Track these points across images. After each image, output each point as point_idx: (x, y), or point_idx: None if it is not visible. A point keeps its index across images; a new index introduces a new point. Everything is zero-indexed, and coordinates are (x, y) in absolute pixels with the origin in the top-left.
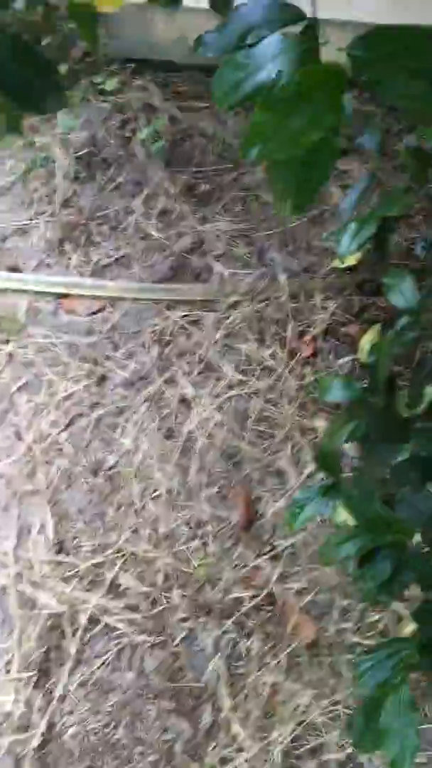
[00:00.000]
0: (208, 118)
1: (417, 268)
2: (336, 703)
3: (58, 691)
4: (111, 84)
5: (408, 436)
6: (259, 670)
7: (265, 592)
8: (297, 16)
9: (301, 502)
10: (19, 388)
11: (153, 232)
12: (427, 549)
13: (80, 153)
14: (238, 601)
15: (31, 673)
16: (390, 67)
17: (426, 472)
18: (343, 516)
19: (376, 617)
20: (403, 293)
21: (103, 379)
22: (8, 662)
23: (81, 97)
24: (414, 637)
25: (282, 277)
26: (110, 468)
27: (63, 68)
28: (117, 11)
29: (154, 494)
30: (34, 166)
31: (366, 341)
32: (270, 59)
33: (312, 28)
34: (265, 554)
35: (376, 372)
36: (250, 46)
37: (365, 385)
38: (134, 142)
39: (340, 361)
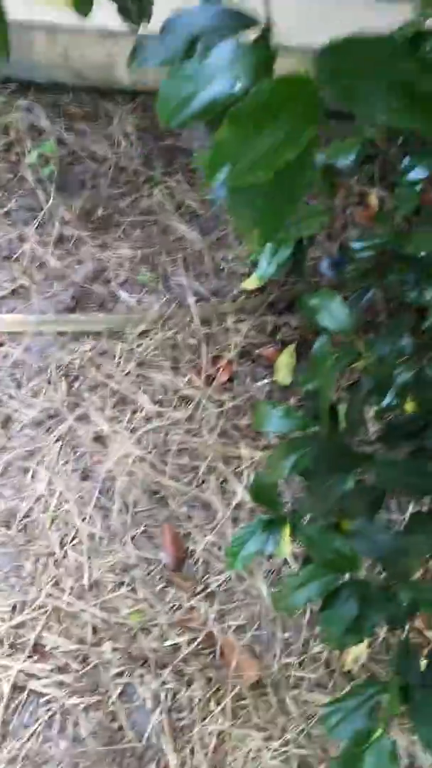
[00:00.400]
0: (99, 141)
1: (325, 286)
2: (287, 743)
3: None
4: None
5: (356, 464)
6: (204, 720)
7: (203, 634)
8: (250, 21)
9: (241, 539)
10: None
11: (50, 261)
12: (390, 583)
13: None
14: (176, 647)
15: None
16: (364, 79)
17: (376, 501)
18: (287, 550)
19: (319, 648)
20: (333, 314)
21: (8, 421)
22: None
23: None
24: (391, 681)
25: (191, 302)
26: (23, 517)
27: None
28: None
29: (74, 541)
30: None
31: (282, 363)
32: (223, 69)
33: (267, 33)
34: (199, 593)
35: (319, 400)
36: (200, 56)
37: (302, 414)
38: (22, 166)
39: (258, 384)
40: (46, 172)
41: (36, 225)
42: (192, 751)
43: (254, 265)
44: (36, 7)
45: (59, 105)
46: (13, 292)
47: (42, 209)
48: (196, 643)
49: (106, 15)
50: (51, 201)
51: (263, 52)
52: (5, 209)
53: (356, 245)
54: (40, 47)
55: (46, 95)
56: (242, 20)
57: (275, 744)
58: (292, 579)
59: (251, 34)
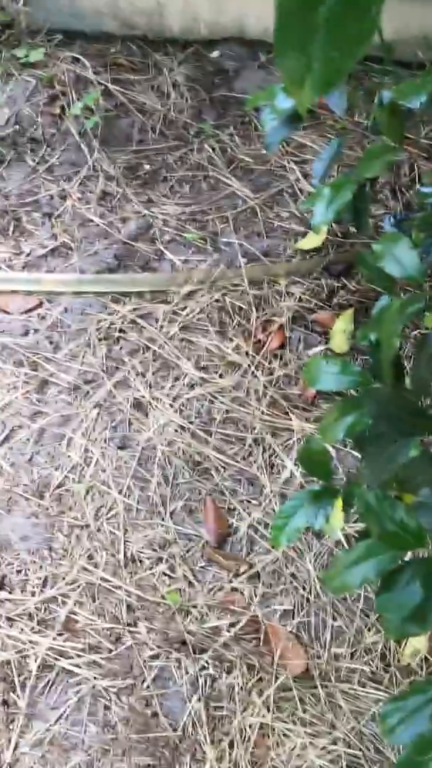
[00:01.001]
0: (147, 92)
1: None
2: (335, 741)
3: (7, 756)
4: (35, 56)
5: (422, 428)
6: (244, 711)
7: (245, 617)
8: None
9: (287, 513)
10: None
11: (93, 218)
12: None
13: (4, 133)
14: (216, 630)
15: None
16: None
17: None
18: (338, 526)
19: (374, 638)
20: (400, 260)
21: (44, 385)
22: None
23: (2, 71)
24: None
25: (240, 262)
26: (57, 486)
27: None
28: None
29: (110, 514)
30: None
31: (338, 329)
32: None
33: None
34: (242, 574)
35: (380, 352)
36: None
37: (361, 370)
38: (65, 119)
39: (311, 351)
40: (91, 125)
41: (79, 181)
42: (231, 745)
43: (308, 227)
44: None
45: (106, 56)
46: (54, 250)
47: (85, 164)
48: (237, 627)
49: None
50: (95, 155)
51: None
52: (47, 164)
53: (426, 189)
54: None
55: (93, 45)
56: None
57: (322, 741)
58: (345, 555)
59: None
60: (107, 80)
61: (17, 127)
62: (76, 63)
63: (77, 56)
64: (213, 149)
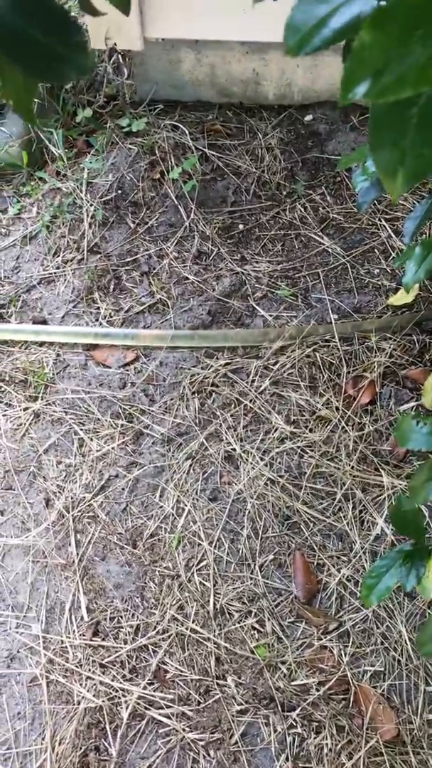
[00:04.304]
0: (242, 156)
1: None
2: None
3: None
4: (138, 125)
5: None
6: None
7: (335, 677)
8: None
9: (377, 572)
10: (48, 449)
11: (188, 276)
12: None
13: (108, 197)
14: (304, 688)
15: None
16: None
17: None
18: (431, 587)
19: None
20: None
21: (139, 436)
22: (40, 767)
23: (107, 140)
24: None
25: (331, 318)
26: (150, 536)
27: (88, 112)
28: (140, 52)
29: (201, 565)
30: (59, 212)
31: (430, 385)
32: None
33: None
34: (332, 632)
35: None
36: None
37: None
38: (164, 183)
39: (403, 407)
40: (188, 189)
41: (175, 240)
42: None
43: (399, 283)
44: (184, 23)
45: (204, 122)
46: (151, 307)
47: (182, 225)
48: (327, 687)
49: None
50: (191, 216)
51: None
52: (147, 225)
53: None
54: (186, 66)
55: (191, 113)
56: None
57: None
58: None
59: None
60: (204, 146)
61: (120, 191)
62: (175, 130)
63: (176, 124)
64: (305, 208)
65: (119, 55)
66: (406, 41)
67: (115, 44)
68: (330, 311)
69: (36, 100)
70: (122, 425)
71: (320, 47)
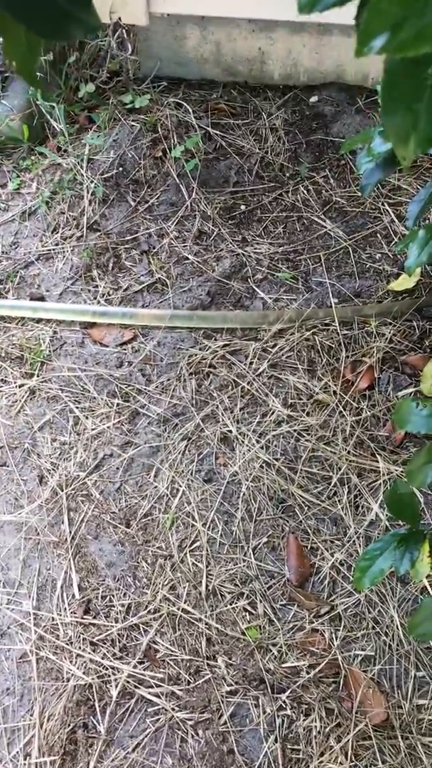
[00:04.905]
0: (246, 136)
1: None
2: None
3: None
4: (141, 102)
5: None
6: (321, 755)
7: (325, 660)
8: None
9: (371, 555)
10: (42, 426)
11: (188, 256)
12: None
13: (108, 174)
14: (294, 671)
15: (54, 757)
16: None
17: None
18: (424, 573)
19: None
20: None
21: (135, 416)
22: (28, 743)
23: (109, 116)
24: None
25: (331, 302)
26: (144, 516)
27: (91, 87)
28: (145, 27)
29: (194, 546)
30: (59, 188)
31: (429, 371)
32: None
33: None
34: (323, 615)
35: None
36: None
37: None
38: (166, 161)
39: (401, 393)
40: (190, 167)
41: (176, 220)
42: None
43: (401, 268)
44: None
45: (207, 101)
46: (150, 286)
47: (183, 204)
48: (317, 670)
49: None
50: (193, 196)
51: None
52: (148, 204)
53: None
54: (192, 43)
55: (195, 91)
56: None
57: None
58: (429, 602)
59: None
60: (207, 124)
61: (121, 169)
62: (178, 108)
63: (180, 102)
64: (308, 191)
65: (123, 30)
66: None
67: (119, 18)
68: (330, 295)
69: (39, 73)
70: (118, 404)
71: (334, 4)
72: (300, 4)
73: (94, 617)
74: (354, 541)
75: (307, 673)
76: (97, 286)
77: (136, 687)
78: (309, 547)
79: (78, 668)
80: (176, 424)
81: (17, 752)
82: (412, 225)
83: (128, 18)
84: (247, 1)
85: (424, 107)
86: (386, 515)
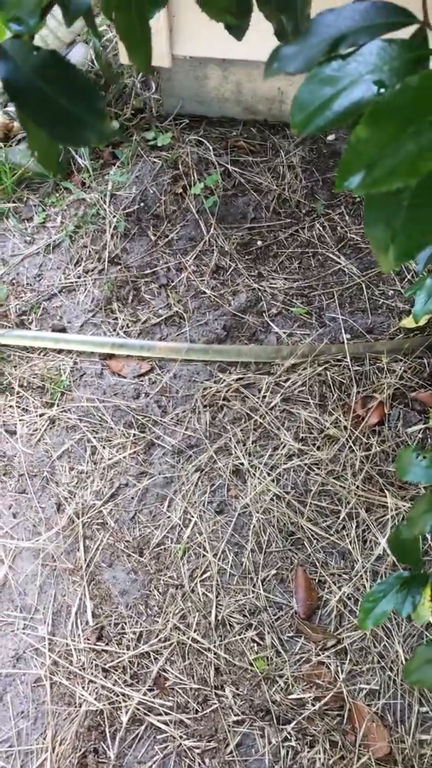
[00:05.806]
0: (264, 173)
1: None
2: None
3: None
4: (163, 140)
5: None
6: None
7: (331, 693)
8: (404, 19)
9: (375, 597)
10: (61, 455)
11: (205, 290)
12: None
13: (130, 209)
14: (300, 702)
15: None
16: None
17: None
18: (426, 615)
19: None
20: None
21: (150, 446)
22: (40, 766)
23: (132, 153)
24: None
25: (344, 338)
26: (157, 545)
27: (115, 124)
28: (167, 68)
29: (204, 576)
30: (83, 222)
31: None
32: (369, 71)
33: (423, 32)
34: (330, 648)
35: None
36: (343, 57)
37: None
38: (186, 197)
39: (410, 429)
40: (209, 204)
41: (194, 255)
42: None
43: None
44: (212, 42)
45: (227, 138)
46: (168, 319)
47: (202, 239)
48: (322, 702)
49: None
50: (211, 231)
51: (419, 50)
52: (167, 239)
53: None
54: (213, 83)
55: (216, 129)
56: (395, 17)
57: None
58: (424, 650)
59: (404, 33)
60: (227, 162)
61: (142, 204)
62: (199, 145)
63: (201, 139)
64: (323, 227)
65: None
66: (399, 137)
67: None
68: (343, 330)
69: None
70: (134, 435)
71: (324, 127)
72: (293, 123)
73: (107, 644)
74: (361, 575)
75: (313, 705)
76: (116, 319)
77: (145, 714)
78: (317, 580)
79: (90, 694)
80: (190, 456)
81: None
82: (422, 269)
83: (152, 60)
84: (267, 45)
85: (401, 225)
86: None
